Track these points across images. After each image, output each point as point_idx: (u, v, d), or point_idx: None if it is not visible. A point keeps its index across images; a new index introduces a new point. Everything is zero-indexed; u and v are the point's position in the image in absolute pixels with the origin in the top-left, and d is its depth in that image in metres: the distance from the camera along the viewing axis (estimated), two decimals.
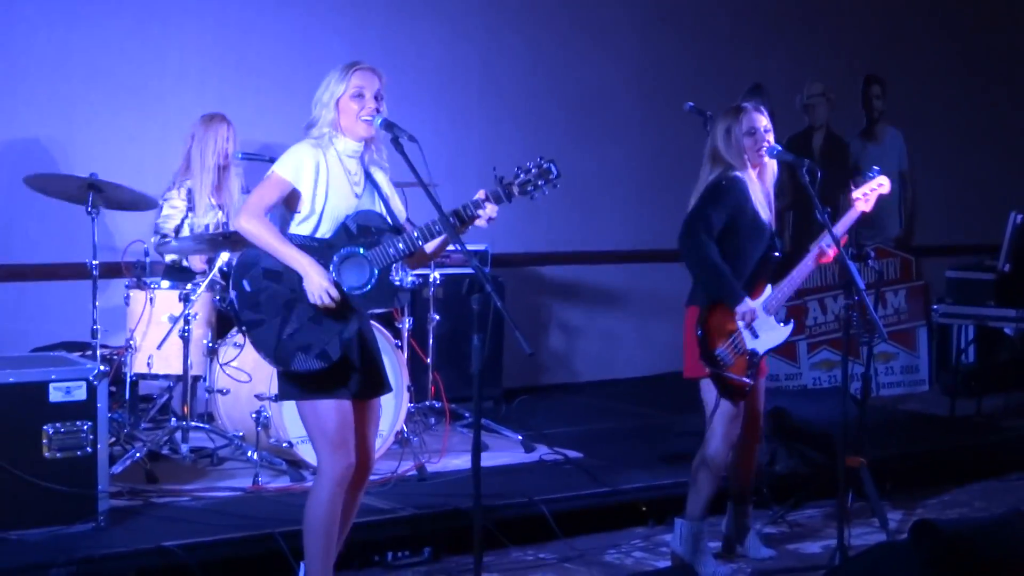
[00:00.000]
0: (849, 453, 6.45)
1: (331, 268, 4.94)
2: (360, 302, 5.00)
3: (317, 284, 4.88)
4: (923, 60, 11.70)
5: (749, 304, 5.85)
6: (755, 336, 5.90)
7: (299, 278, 4.91)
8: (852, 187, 6.17)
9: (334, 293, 4.89)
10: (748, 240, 5.90)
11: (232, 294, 4.97)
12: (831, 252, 5.91)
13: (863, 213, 6.07)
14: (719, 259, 5.84)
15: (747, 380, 5.89)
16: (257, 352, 5.03)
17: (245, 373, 6.76)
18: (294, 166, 4.98)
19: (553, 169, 5.11)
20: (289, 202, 5.01)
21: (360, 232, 5.02)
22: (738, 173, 5.91)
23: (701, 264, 5.86)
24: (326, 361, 4.93)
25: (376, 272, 4.99)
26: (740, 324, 5.86)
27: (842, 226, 6.00)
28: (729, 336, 5.88)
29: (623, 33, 10.17)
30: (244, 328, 4.98)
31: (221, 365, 6.87)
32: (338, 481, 5.00)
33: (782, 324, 5.97)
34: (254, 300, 4.93)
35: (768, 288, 5.94)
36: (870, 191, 6.07)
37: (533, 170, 5.10)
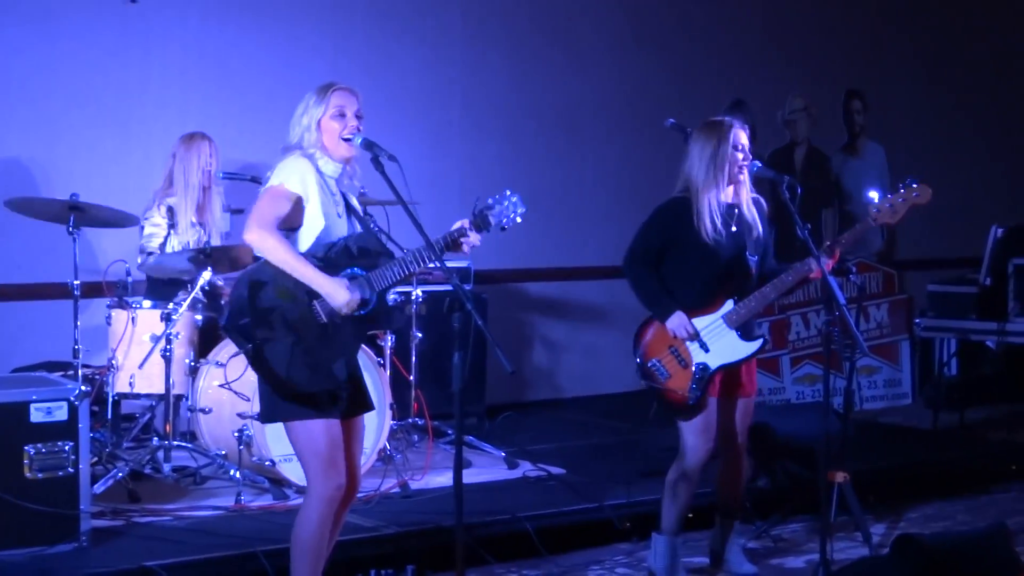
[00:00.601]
0: (832, 467, 6.48)
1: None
2: (362, 323, 5.02)
3: (342, 296, 4.88)
4: (904, 75, 11.75)
5: (680, 317, 5.86)
6: (705, 350, 5.90)
7: (308, 297, 4.90)
8: (873, 200, 6.05)
9: (356, 299, 4.90)
10: (692, 259, 5.89)
11: (244, 312, 4.87)
12: (831, 260, 5.90)
13: (884, 225, 6.05)
14: (651, 279, 5.92)
15: (688, 394, 5.87)
16: (259, 371, 4.93)
17: (241, 396, 6.71)
18: (300, 177, 4.95)
19: (517, 204, 5.19)
20: (287, 219, 4.97)
21: (360, 254, 5.03)
22: (685, 194, 5.92)
23: (633, 283, 5.98)
24: (332, 383, 4.93)
25: (374, 294, 5.01)
26: (682, 337, 5.88)
27: (848, 237, 6.01)
28: (668, 349, 5.90)
29: (603, 51, 10.21)
30: (253, 347, 4.89)
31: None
32: (328, 501, 4.98)
33: (744, 339, 5.93)
34: (267, 318, 4.88)
35: (729, 303, 5.92)
36: (904, 201, 5.89)
37: (493, 205, 5.16)
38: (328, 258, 4.98)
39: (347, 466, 5.08)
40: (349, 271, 4.99)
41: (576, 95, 10.07)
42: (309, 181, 4.96)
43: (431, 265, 5.04)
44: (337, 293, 4.88)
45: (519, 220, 5.19)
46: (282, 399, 4.94)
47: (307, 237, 4.98)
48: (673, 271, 5.95)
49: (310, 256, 4.95)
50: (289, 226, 4.97)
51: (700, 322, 5.90)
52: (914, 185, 5.92)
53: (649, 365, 5.93)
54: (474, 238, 5.09)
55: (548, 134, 9.91)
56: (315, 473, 4.98)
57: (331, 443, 4.95)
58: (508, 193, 5.18)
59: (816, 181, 11.11)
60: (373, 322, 5.09)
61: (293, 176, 4.95)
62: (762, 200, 6.08)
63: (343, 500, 5.11)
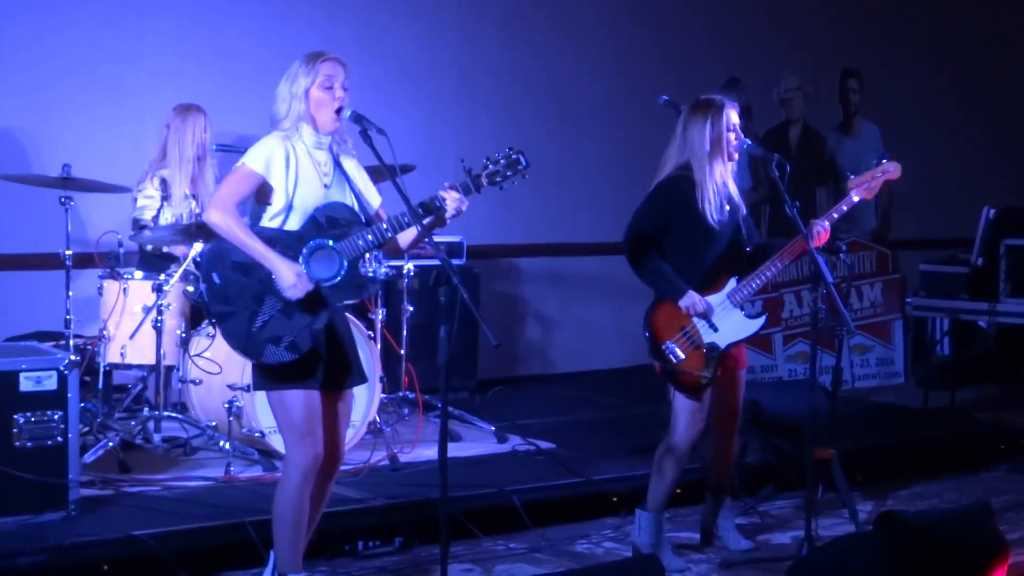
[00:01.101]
0: (820, 445, 6.51)
1: (300, 260, 4.95)
2: (330, 293, 5.01)
3: (289, 278, 4.89)
4: (900, 54, 11.75)
5: (694, 297, 5.87)
6: (714, 329, 5.92)
7: (268, 271, 4.92)
8: (850, 175, 6.16)
9: (306, 285, 4.90)
10: (695, 238, 5.92)
11: (202, 287, 4.99)
12: (823, 234, 5.92)
13: (863, 199, 6.09)
14: (655, 258, 5.92)
15: (703, 375, 5.89)
16: (228, 344, 5.04)
17: (216, 364, 6.76)
18: (264, 158, 4.99)
19: (522, 160, 5.15)
20: (259, 195, 5.02)
21: (329, 224, 5.03)
22: (688, 172, 5.93)
23: (640, 266, 5.96)
24: (296, 353, 4.95)
25: (346, 264, 5.01)
26: (693, 317, 5.89)
27: (836, 213, 6.03)
28: (680, 330, 5.91)
29: (599, 25, 10.20)
30: (214, 320, 4.99)
31: (190, 356, 6.87)
32: (305, 471, 5.02)
33: (749, 317, 5.99)
34: (224, 293, 4.95)
35: (732, 281, 5.96)
36: (873, 178, 6.05)
37: (502, 160, 5.13)
38: (293, 232, 4.99)
39: (330, 438, 5.11)
40: (315, 242, 4.99)
41: (571, 70, 10.06)
42: (276, 159, 4.98)
43: (415, 229, 5.02)
44: (285, 276, 4.90)
45: (519, 174, 5.16)
46: (259, 369, 4.98)
47: (272, 213, 5.02)
48: (676, 250, 5.95)
49: (278, 232, 4.97)
50: (263, 203, 5.02)
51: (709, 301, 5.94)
52: (884, 162, 6.09)
53: (663, 348, 5.92)
54: (454, 197, 5.03)
55: (543, 108, 9.90)
56: (291, 443, 5.04)
57: (308, 414, 4.98)
58: (509, 149, 5.17)
59: (811, 160, 11.13)
60: (343, 292, 5.07)
61: (258, 157, 4.99)
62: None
63: (326, 472, 5.14)
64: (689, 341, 5.91)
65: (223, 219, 4.91)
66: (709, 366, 5.90)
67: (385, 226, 5.02)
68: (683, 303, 5.88)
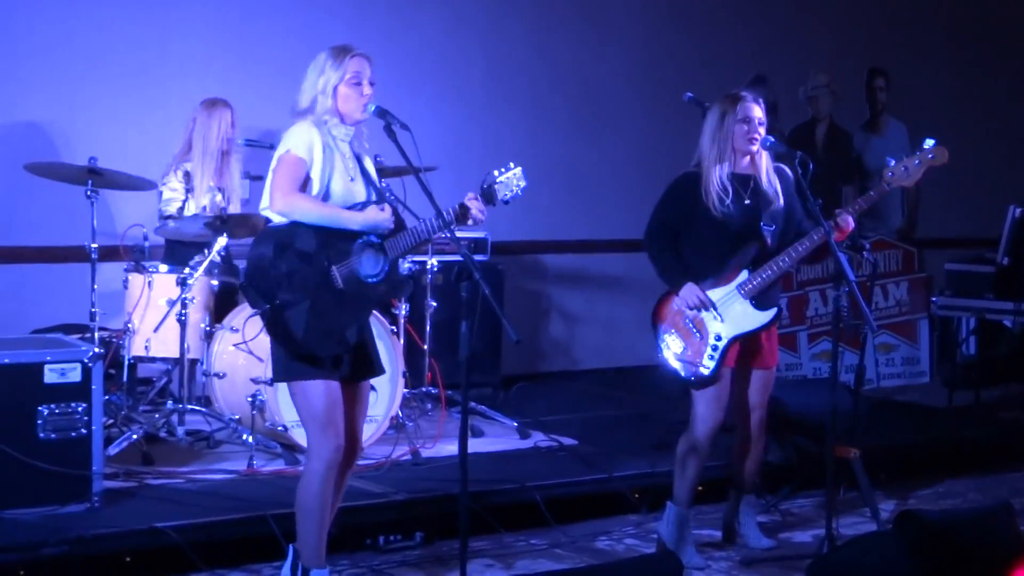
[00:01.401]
0: (842, 443, 6.49)
1: (353, 253, 5.01)
2: (373, 290, 5.06)
3: (376, 215, 5.02)
4: (927, 53, 11.69)
5: (690, 288, 5.89)
6: (720, 320, 5.92)
7: (327, 262, 4.96)
8: (890, 161, 6.00)
9: (389, 216, 5.00)
10: (710, 232, 5.93)
11: (272, 272, 4.97)
12: (847, 227, 5.89)
13: (902, 188, 6.04)
14: (666, 252, 5.98)
15: (703, 365, 5.90)
16: (273, 334, 5.03)
17: (257, 356, 6.74)
18: (306, 144, 5.02)
19: (515, 176, 5.22)
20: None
21: None
22: (696, 169, 5.96)
23: (652, 257, 6.05)
24: (344, 347, 5.01)
25: (388, 262, 5.05)
26: (685, 309, 5.91)
27: (862, 201, 6.01)
28: (684, 321, 5.93)
29: (627, 23, 10.18)
30: (272, 308, 4.96)
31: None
32: (328, 462, 5.04)
33: (757, 309, 5.96)
34: (289, 282, 4.97)
35: (744, 273, 5.94)
36: (920, 163, 5.91)
37: (498, 178, 5.19)
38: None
39: (349, 429, 5.13)
40: (365, 238, 5.04)
41: (598, 67, 10.05)
42: (315, 147, 5.01)
43: (444, 235, 5.08)
44: (375, 216, 5.01)
45: (520, 193, 5.22)
46: (286, 360, 4.99)
47: None
48: (690, 245, 6.00)
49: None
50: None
51: (716, 293, 5.94)
52: (931, 146, 5.95)
53: (667, 336, 5.97)
54: (476, 208, 5.09)
55: (569, 105, 9.90)
56: (314, 434, 5.06)
57: (329, 404, 5.01)
58: (511, 165, 5.22)
59: (837, 158, 11.10)
60: (385, 290, 5.13)
61: (300, 143, 5.01)
62: (786, 170, 6.06)
63: (345, 463, 5.17)
64: (694, 331, 5.92)
65: (294, 202, 4.95)
66: (714, 357, 5.90)
67: (425, 228, 5.07)
68: (681, 294, 5.93)
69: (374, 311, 6.77)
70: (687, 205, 5.95)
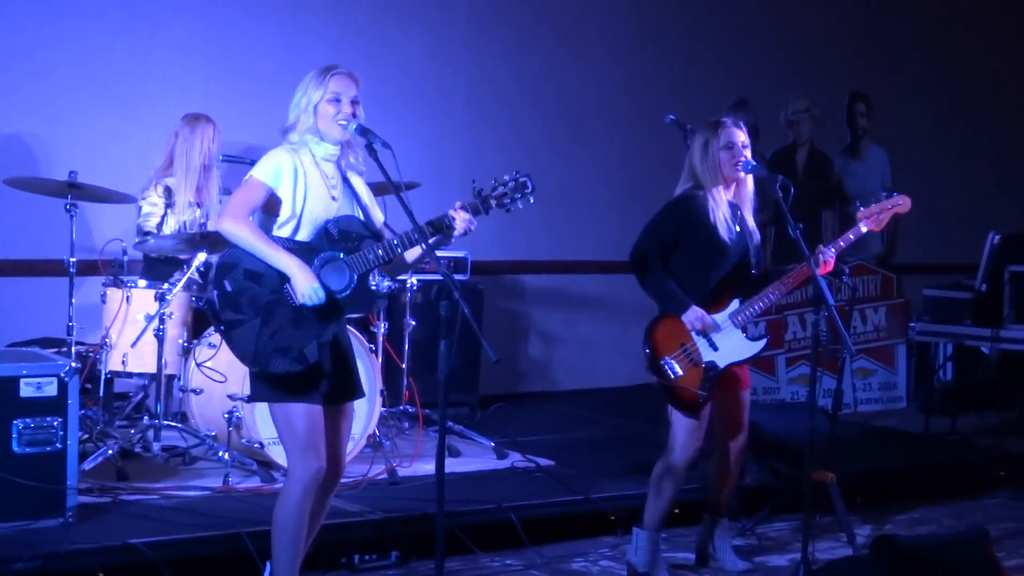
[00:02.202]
0: (819, 468, 6.51)
1: (312, 270, 4.96)
2: (339, 306, 5.03)
3: (305, 284, 4.90)
4: (907, 79, 11.76)
5: (698, 312, 5.88)
6: (714, 348, 5.92)
7: (280, 280, 4.94)
8: (859, 206, 6.17)
9: (321, 294, 4.92)
10: (704, 256, 5.94)
11: (213, 294, 4.97)
12: (829, 264, 5.93)
13: (870, 231, 6.11)
14: (661, 273, 5.94)
15: (700, 392, 5.90)
16: (234, 353, 5.04)
17: (220, 373, 6.77)
18: (273, 170, 5.00)
19: (528, 183, 5.18)
20: (269, 207, 5.03)
21: (341, 237, 5.05)
22: (701, 191, 5.95)
23: (645, 280, 5.98)
24: (303, 364, 4.95)
25: (355, 277, 5.03)
26: (692, 333, 5.89)
27: (843, 243, 6.04)
28: (680, 347, 5.92)
29: (607, 45, 10.21)
30: (223, 328, 4.98)
31: (198, 364, 6.87)
32: (308, 485, 5.01)
33: (750, 339, 5.99)
34: (235, 301, 4.94)
35: (735, 303, 5.96)
36: (883, 209, 6.08)
37: (510, 183, 5.16)
38: (304, 243, 5.01)
39: (332, 452, 5.11)
40: (327, 254, 5.01)
41: (578, 89, 10.08)
42: (284, 172, 4.99)
43: (420, 247, 5.05)
44: (301, 282, 4.91)
45: (530, 199, 5.18)
46: (263, 381, 4.98)
47: (279, 224, 5.03)
48: (683, 267, 5.98)
49: (289, 242, 4.99)
50: (271, 215, 5.03)
51: None
52: (895, 195, 6.12)
53: (661, 363, 5.93)
54: (463, 217, 5.04)
55: (549, 127, 9.92)
56: (294, 456, 5.02)
57: (311, 427, 4.98)
58: (516, 173, 5.19)
59: (818, 183, 11.15)
60: (352, 305, 5.09)
61: (267, 168, 5.00)
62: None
63: (327, 486, 5.14)
64: (688, 358, 5.91)
65: (237, 227, 4.92)
66: (706, 384, 5.91)
67: (396, 241, 5.04)
68: (686, 317, 5.88)
69: (349, 328, 6.79)
70: (689, 226, 5.93)
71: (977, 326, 9.22)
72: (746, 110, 10.22)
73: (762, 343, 6.03)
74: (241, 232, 4.92)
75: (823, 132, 11.28)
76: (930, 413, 9.24)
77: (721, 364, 5.93)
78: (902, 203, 6.10)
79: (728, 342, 5.94)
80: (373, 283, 5.24)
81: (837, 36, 11.38)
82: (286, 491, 5.07)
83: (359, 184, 5.22)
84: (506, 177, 5.17)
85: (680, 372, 5.91)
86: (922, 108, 11.81)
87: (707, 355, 5.93)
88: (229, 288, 4.95)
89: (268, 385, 5.01)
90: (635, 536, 6.07)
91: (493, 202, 5.14)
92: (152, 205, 7.44)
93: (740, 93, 10.55)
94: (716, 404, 6.06)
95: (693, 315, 5.89)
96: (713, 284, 5.97)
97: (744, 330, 5.97)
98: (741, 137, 5.98)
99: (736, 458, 6.24)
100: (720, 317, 5.94)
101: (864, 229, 6.08)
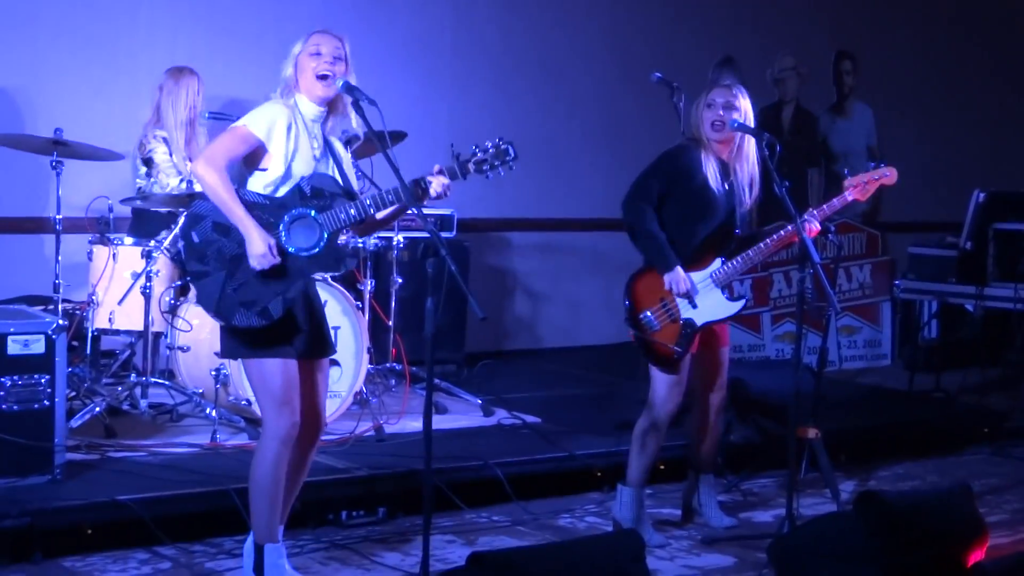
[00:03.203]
0: (803, 424, 6.54)
1: (281, 227, 4.95)
2: (307, 264, 5.01)
3: (258, 248, 4.87)
4: (894, 37, 11.74)
5: (679, 273, 5.90)
6: (693, 306, 5.94)
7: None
8: (847, 173, 6.19)
9: (272, 260, 4.90)
10: (693, 210, 5.95)
11: (180, 244, 4.99)
12: (814, 231, 5.95)
13: (855, 200, 6.12)
14: (654, 225, 5.93)
15: (675, 348, 5.92)
16: (199, 304, 5.06)
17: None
18: (267, 123, 4.97)
19: (511, 151, 5.18)
20: (250, 159, 5.00)
21: (313, 194, 5.02)
22: (695, 145, 5.97)
23: (636, 229, 5.97)
24: (267, 319, 4.94)
25: (326, 235, 5.00)
26: (677, 292, 5.91)
27: (828, 208, 6.04)
28: (659, 302, 5.94)
29: (593, 3, 10.18)
30: (189, 279, 4.99)
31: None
32: (283, 440, 5.02)
33: (729, 299, 6.00)
34: (201, 252, 4.95)
35: (717, 261, 5.98)
36: (869, 180, 6.08)
37: (491, 150, 5.16)
38: (277, 198, 4.99)
39: (310, 408, 5.12)
40: (297, 211, 4.99)
41: (565, 45, 10.05)
42: (279, 126, 4.97)
43: (394, 206, 5.04)
44: (255, 245, 4.87)
45: (512, 167, 5.18)
46: (237, 337, 4.98)
47: (263, 180, 5.00)
48: (670, 220, 5.98)
49: (263, 197, 4.97)
50: (252, 166, 5.00)
51: (693, 278, 5.95)
52: (882, 166, 6.13)
53: (640, 317, 5.96)
54: (440, 181, 5.04)
55: (536, 83, 9.90)
56: (268, 411, 5.03)
57: (285, 382, 4.98)
58: (499, 139, 5.18)
59: (803, 141, 11.15)
60: (320, 264, 5.07)
61: (260, 120, 4.98)
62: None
63: (307, 442, 5.16)
64: (667, 313, 5.94)
65: (210, 175, 4.87)
66: (682, 341, 5.93)
67: (368, 201, 5.01)
68: (667, 278, 5.90)
69: (336, 286, 6.80)
70: (678, 178, 5.95)
71: (961, 284, 9.25)
72: (732, 68, 10.20)
73: (741, 303, 6.04)
74: (211, 179, 4.87)
75: (809, 90, 11.28)
76: (914, 370, 9.27)
77: (699, 322, 5.95)
78: (889, 174, 6.11)
79: (708, 300, 5.95)
80: (348, 243, 5.21)
81: None
82: (262, 448, 5.07)
83: (340, 149, 5.22)
84: (488, 143, 5.16)
85: (658, 327, 5.94)
86: (908, 66, 11.80)
87: (685, 312, 5.94)
88: (196, 239, 4.95)
89: (243, 340, 5.00)
90: (620, 492, 6.11)
91: (472, 167, 5.13)
92: (164, 155, 7.38)
93: (727, 50, 10.54)
94: (695, 360, 6.08)
95: (674, 276, 5.89)
96: (699, 240, 5.97)
97: (726, 289, 5.99)
98: (725, 97, 5.97)
99: (716, 414, 6.28)
100: (700, 275, 5.95)
101: (850, 199, 6.09)
